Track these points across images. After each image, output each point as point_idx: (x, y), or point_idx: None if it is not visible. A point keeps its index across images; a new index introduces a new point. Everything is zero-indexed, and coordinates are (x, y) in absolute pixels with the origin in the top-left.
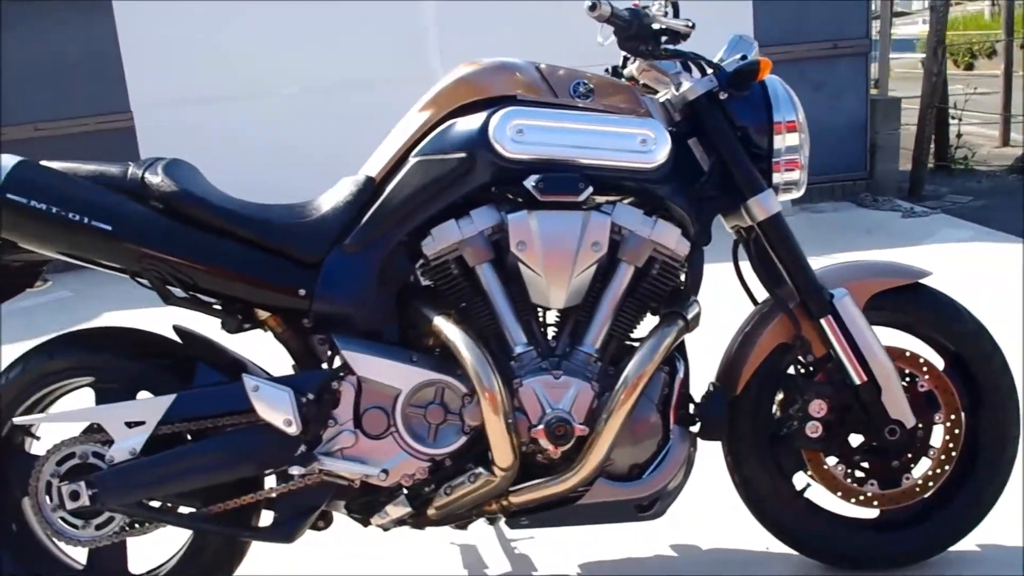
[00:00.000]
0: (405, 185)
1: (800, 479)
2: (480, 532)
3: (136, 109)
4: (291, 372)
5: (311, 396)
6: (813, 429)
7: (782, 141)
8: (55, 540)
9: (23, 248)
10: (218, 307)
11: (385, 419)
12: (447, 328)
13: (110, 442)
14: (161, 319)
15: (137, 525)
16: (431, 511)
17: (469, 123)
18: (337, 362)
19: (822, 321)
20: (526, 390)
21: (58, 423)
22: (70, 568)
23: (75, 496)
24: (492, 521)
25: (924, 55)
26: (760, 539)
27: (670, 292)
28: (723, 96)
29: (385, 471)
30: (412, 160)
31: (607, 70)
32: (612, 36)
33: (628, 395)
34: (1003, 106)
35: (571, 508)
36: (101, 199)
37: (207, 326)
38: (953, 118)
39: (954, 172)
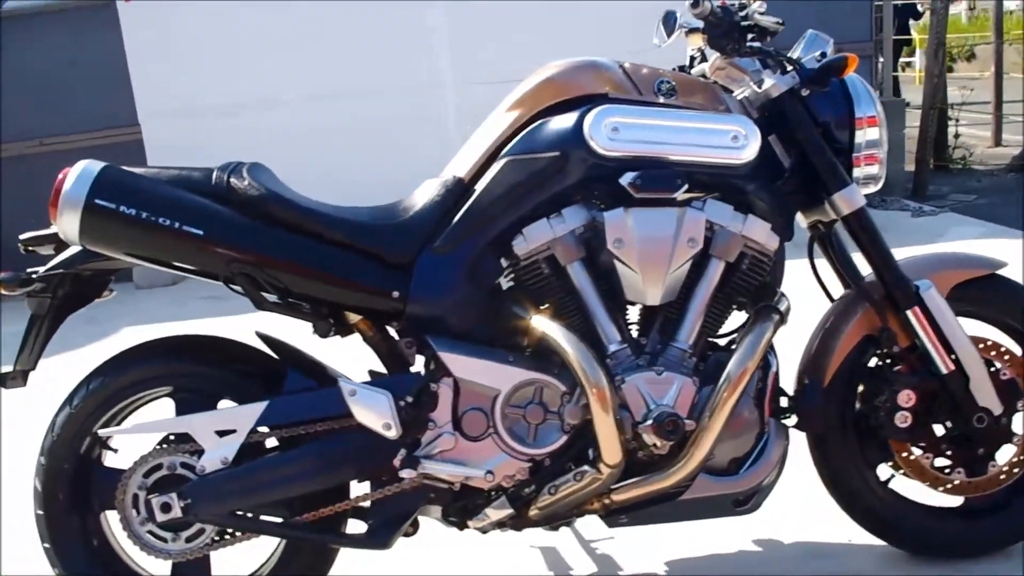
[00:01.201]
0: (496, 185)
1: (883, 470)
2: (558, 535)
3: (144, 121)
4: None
5: (409, 399)
6: (903, 419)
7: (863, 136)
8: (145, 553)
9: (100, 255)
10: (309, 312)
11: (484, 420)
12: (547, 326)
13: (199, 452)
14: (182, 331)
15: (227, 536)
16: (533, 511)
17: (562, 122)
18: (420, 364)
19: (908, 312)
20: (629, 387)
21: (138, 435)
22: None
23: (166, 508)
24: (570, 522)
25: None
26: (839, 531)
27: (757, 288)
28: (805, 92)
29: (490, 472)
30: (502, 160)
31: (674, 69)
32: (667, 38)
33: (732, 391)
34: (995, 106)
35: (671, 504)
36: (190, 203)
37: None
38: (950, 118)
39: (953, 172)
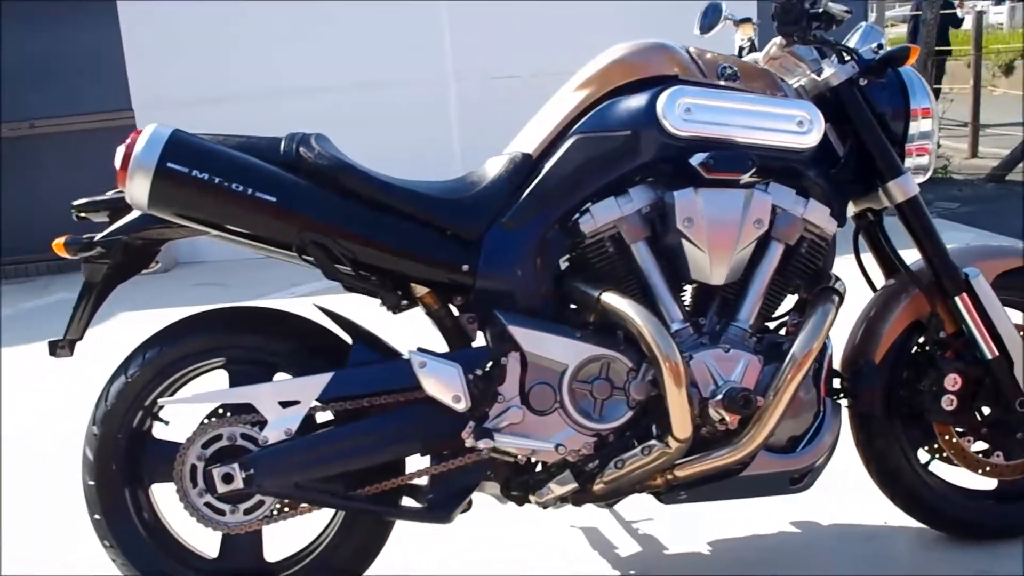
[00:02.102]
0: (566, 162)
1: (922, 453)
2: (597, 515)
3: (138, 108)
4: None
5: (479, 372)
6: (948, 403)
7: (917, 126)
8: (203, 525)
9: (163, 222)
10: (378, 284)
11: (552, 394)
12: (618, 302)
13: (260, 423)
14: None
15: (286, 509)
16: (598, 486)
17: (635, 101)
18: (480, 340)
19: (957, 299)
20: (697, 363)
21: (197, 405)
22: (203, 558)
23: (228, 479)
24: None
25: None
26: (875, 513)
27: (812, 272)
28: (863, 82)
29: (561, 446)
30: (572, 137)
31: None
32: (709, 30)
33: (797, 370)
34: (972, 118)
35: (730, 481)
36: (262, 170)
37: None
38: None
39: (934, 181)
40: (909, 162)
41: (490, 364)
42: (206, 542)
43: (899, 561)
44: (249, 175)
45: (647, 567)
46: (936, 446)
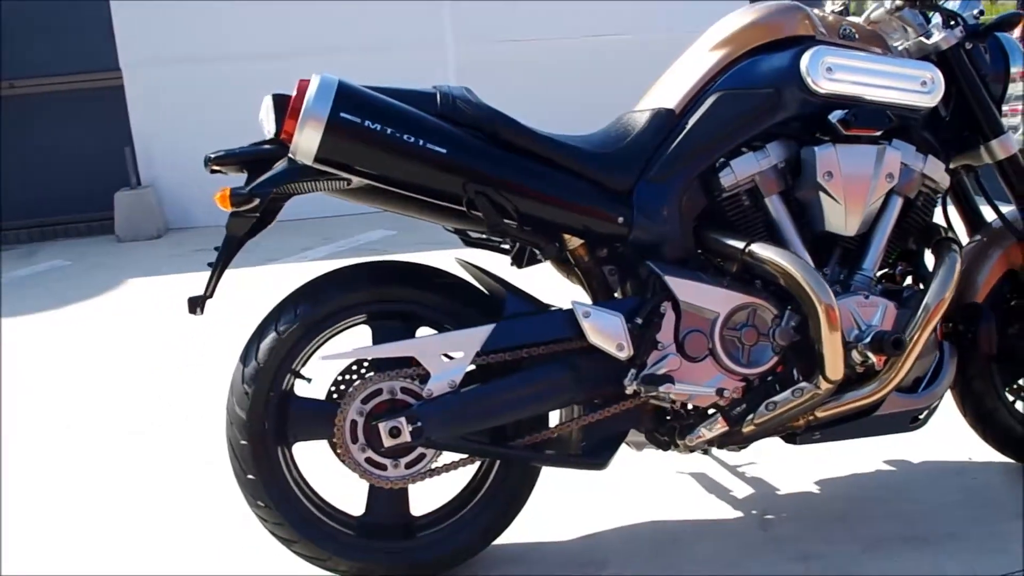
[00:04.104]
0: (710, 117)
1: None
2: (700, 462)
3: (126, 67)
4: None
5: (638, 321)
6: None
7: (1014, 88)
8: (367, 480)
9: (309, 175)
10: (506, 246)
11: (704, 342)
12: (769, 252)
13: (420, 376)
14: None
15: (448, 462)
16: (747, 428)
17: (778, 60)
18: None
19: None
20: (842, 308)
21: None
22: (349, 514)
23: (395, 432)
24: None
25: None
26: (957, 451)
27: (924, 225)
28: (968, 46)
29: (720, 391)
30: (716, 94)
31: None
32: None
33: (932, 316)
34: None
35: (862, 421)
36: (429, 122)
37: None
38: None
39: None
40: (1004, 122)
41: (652, 312)
42: (344, 500)
43: (993, 492)
44: (418, 127)
45: (767, 506)
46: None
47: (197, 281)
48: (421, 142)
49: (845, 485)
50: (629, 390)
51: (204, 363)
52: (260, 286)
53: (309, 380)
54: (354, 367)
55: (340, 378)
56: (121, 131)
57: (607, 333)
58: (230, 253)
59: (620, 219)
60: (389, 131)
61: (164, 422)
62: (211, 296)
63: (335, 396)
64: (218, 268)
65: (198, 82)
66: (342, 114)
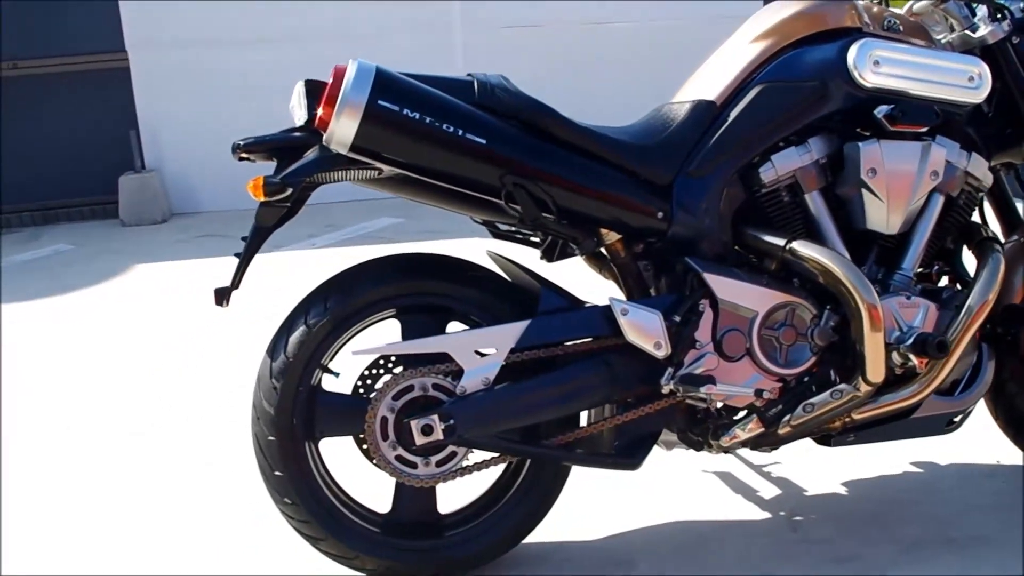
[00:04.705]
0: (752, 110)
1: None
2: (724, 462)
3: (132, 49)
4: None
5: (676, 319)
6: None
7: None
8: (396, 478)
9: (342, 164)
10: (536, 239)
11: (742, 341)
12: (811, 250)
13: (452, 373)
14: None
15: (479, 461)
16: (783, 429)
17: (823, 52)
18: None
19: None
20: (884, 310)
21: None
22: (375, 512)
23: (428, 430)
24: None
25: None
26: (985, 453)
27: (965, 224)
28: (1015, 40)
29: (759, 391)
30: (758, 86)
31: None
32: None
33: (975, 319)
34: None
35: (899, 423)
36: (467, 110)
37: None
38: None
39: None
40: None
41: (689, 310)
42: (369, 497)
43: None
44: (456, 115)
45: (796, 507)
46: None
47: (205, 268)
48: (460, 131)
49: (873, 486)
50: (666, 389)
51: (205, 363)
52: (272, 274)
53: (337, 375)
54: (381, 361)
55: (367, 372)
56: (126, 114)
57: (645, 331)
58: (258, 243)
59: (660, 214)
60: (428, 120)
61: (165, 423)
62: (237, 287)
63: (361, 391)
64: (245, 259)
65: (204, 66)
66: (380, 102)
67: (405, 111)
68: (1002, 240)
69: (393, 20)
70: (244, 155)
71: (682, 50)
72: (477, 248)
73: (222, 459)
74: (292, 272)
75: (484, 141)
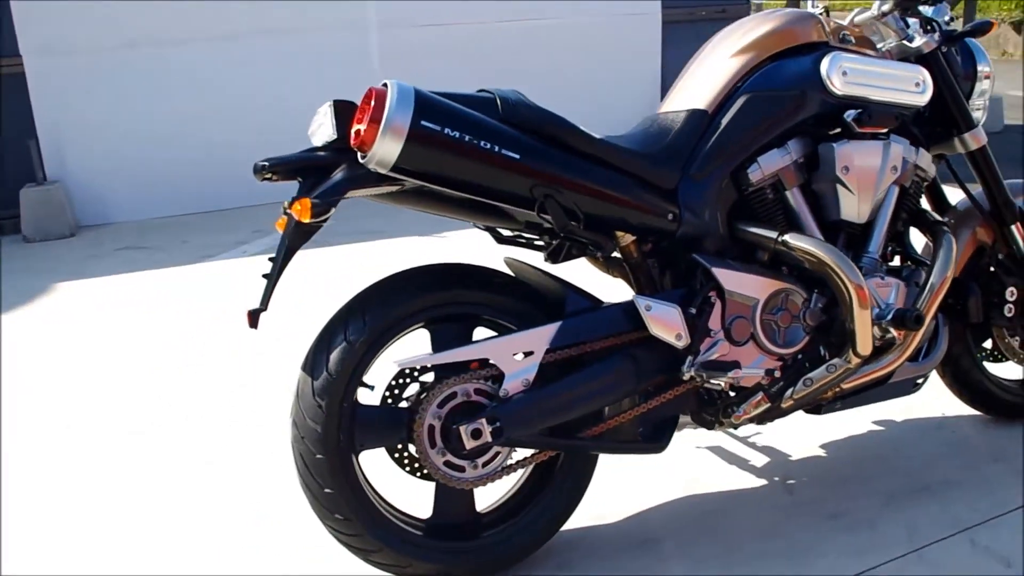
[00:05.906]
0: (742, 117)
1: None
2: (712, 438)
3: (27, 55)
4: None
5: (692, 311)
6: (1008, 311)
7: (980, 86)
8: (449, 484)
9: (373, 182)
10: (540, 242)
11: (748, 326)
12: (802, 241)
13: (492, 377)
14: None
15: (523, 459)
16: (787, 403)
17: (800, 64)
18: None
19: (1012, 227)
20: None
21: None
22: (417, 518)
23: (476, 434)
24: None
25: None
26: (932, 407)
27: (913, 211)
28: (944, 49)
29: (769, 371)
30: (745, 95)
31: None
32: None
33: (937, 293)
34: None
35: (877, 389)
36: (498, 127)
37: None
38: None
39: None
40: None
41: (703, 302)
42: (414, 507)
43: (971, 441)
44: (491, 133)
45: (786, 472)
46: (994, 347)
47: (127, 283)
48: (496, 148)
49: (846, 447)
50: (686, 376)
51: (185, 370)
52: (203, 284)
53: (372, 387)
54: (406, 371)
55: (394, 383)
56: (25, 122)
57: (667, 324)
58: (286, 263)
59: (670, 215)
60: (468, 138)
61: (164, 423)
62: (266, 309)
63: (390, 401)
64: (273, 280)
65: (107, 70)
66: (423, 122)
67: (446, 130)
68: (948, 222)
69: (308, 20)
70: (267, 175)
71: (596, 46)
72: (418, 248)
73: (222, 458)
74: (233, 282)
75: (517, 156)
